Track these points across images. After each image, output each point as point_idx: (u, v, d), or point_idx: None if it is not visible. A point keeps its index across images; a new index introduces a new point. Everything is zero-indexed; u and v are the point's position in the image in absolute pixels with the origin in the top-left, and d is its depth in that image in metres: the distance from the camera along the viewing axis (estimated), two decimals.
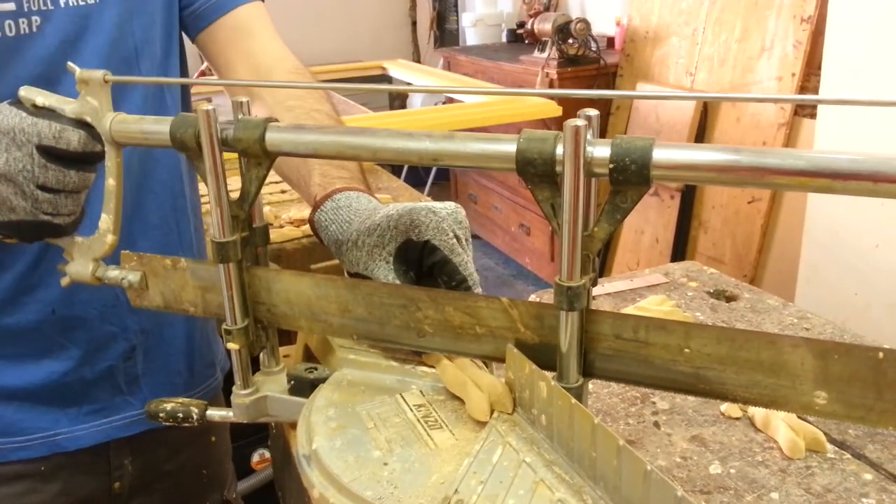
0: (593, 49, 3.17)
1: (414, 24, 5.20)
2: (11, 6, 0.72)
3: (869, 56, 1.81)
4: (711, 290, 1.03)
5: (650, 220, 2.89)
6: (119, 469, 0.89)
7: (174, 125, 0.60)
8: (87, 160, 0.64)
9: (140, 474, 0.91)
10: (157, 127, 0.61)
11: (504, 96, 2.85)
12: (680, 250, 2.78)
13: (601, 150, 0.46)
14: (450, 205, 0.68)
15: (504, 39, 4.24)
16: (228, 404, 0.68)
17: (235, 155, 0.59)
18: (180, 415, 0.69)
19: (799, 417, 0.70)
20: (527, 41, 3.55)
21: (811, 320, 0.93)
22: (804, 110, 2.33)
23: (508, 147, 0.49)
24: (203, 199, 0.97)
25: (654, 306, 0.95)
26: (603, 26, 3.50)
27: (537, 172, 0.48)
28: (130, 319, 0.85)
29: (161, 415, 0.70)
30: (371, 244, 0.66)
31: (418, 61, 5.02)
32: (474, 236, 3.27)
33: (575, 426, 0.48)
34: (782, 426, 0.69)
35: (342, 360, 0.67)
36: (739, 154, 0.43)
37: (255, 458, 1.60)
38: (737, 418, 0.73)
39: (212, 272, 0.65)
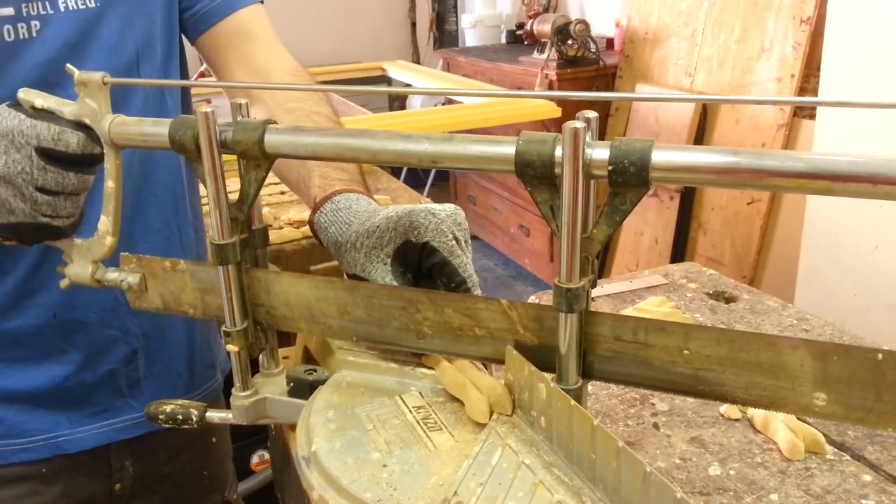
0: (592, 50, 3.17)
1: (413, 25, 5.20)
2: (10, 11, 0.72)
3: (868, 57, 1.82)
4: (711, 292, 1.03)
5: (649, 221, 2.89)
6: (120, 471, 0.89)
7: (173, 127, 0.60)
8: (87, 162, 0.64)
9: (141, 476, 0.91)
10: (156, 129, 0.61)
11: (503, 97, 2.85)
12: (679, 251, 2.78)
13: (600, 153, 0.46)
14: (449, 206, 0.68)
15: (503, 41, 4.24)
16: (229, 406, 0.68)
17: (234, 157, 0.59)
18: (180, 416, 0.69)
19: (798, 419, 0.69)
20: (526, 42, 3.56)
21: (810, 321, 0.93)
22: (803, 111, 2.33)
23: (507, 149, 0.49)
24: (203, 202, 0.97)
25: (653, 308, 0.95)
26: (602, 27, 3.50)
27: (536, 174, 0.48)
28: (131, 323, 0.85)
29: (161, 416, 0.70)
30: (370, 246, 0.66)
31: (418, 62, 5.03)
32: (473, 237, 3.26)
33: (574, 428, 0.48)
34: (782, 427, 0.69)
35: (341, 361, 0.67)
36: (738, 156, 0.43)
37: (255, 459, 1.60)
38: (736, 420, 0.73)
39: (211, 274, 0.65)
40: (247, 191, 0.60)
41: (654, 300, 0.98)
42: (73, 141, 0.62)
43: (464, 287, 0.65)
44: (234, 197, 0.61)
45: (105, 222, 0.65)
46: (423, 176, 4.30)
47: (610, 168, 0.45)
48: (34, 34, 0.74)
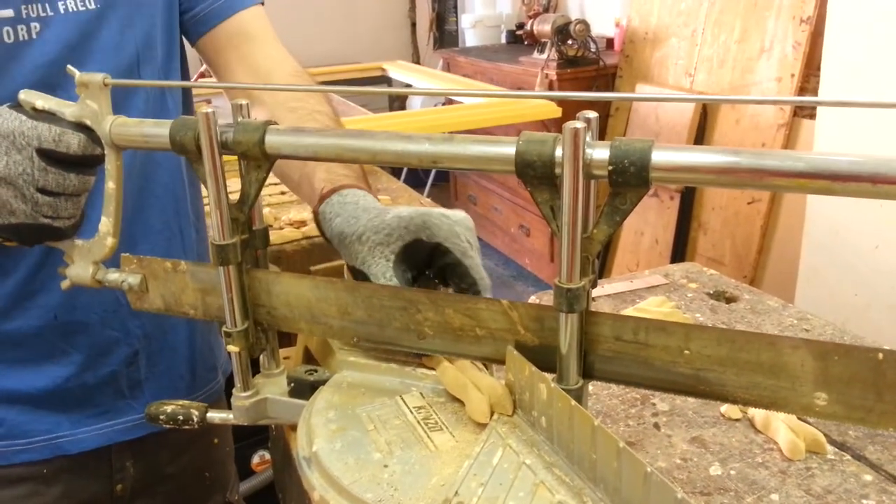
0: (592, 50, 3.17)
1: (413, 25, 5.20)
2: (10, 13, 0.72)
3: (868, 56, 1.82)
4: (711, 292, 1.03)
5: (650, 221, 2.89)
6: (121, 472, 0.89)
7: (174, 128, 0.60)
8: (87, 163, 0.64)
9: (142, 477, 0.91)
10: (157, 130, 0.61)
11: (503, 98, 2.86)
12: (679, 251, 2.78)
13: (600, 153, 0.46)
14: (459, 213, 0.69)
15: (503, 41, 4.24)
16: (230, 407, 0.68)
17: (235, 157, 0.59)
18: (180, 417, 0.69)
19: (799, 419, 0.70)
20: (526, 42, 3.56)
21: (811, 321, 0.93)
22: (804, 111, 2.33)
23: (508, 149, 0.49)
24: (204, 202, 0.97)
25: (653, 308, 0.95)
26: (602, 27, 3.51)
27: (536, 175, 0.48)
28: (133, 324, 0.85)
29: (161, 417, 0.70)
30: (376, 241, 0.67)
31: (418, 62, 5.03)
32: None
33: (575, 428, 0.48)
34: (782, 427, 0.69)
35: (342, 362, 0.67)
36: (739, 156, 0.43)
37: (256, 459, 1.60)
38: (737, 420, 0.73)
39: (212, 275, 0.65)
40: (247, 191, 0.60)
41: (654, 300, 0.98)
42: (73, 142, 0.62)
43: (475, 288, 0.66)
44: (234, 197, 0.61)
45: (106, 223, 0.66)
46: (423, 176, 4.30)
47: (610, 168, 0.45)
48: (34, 36, 0.74)
